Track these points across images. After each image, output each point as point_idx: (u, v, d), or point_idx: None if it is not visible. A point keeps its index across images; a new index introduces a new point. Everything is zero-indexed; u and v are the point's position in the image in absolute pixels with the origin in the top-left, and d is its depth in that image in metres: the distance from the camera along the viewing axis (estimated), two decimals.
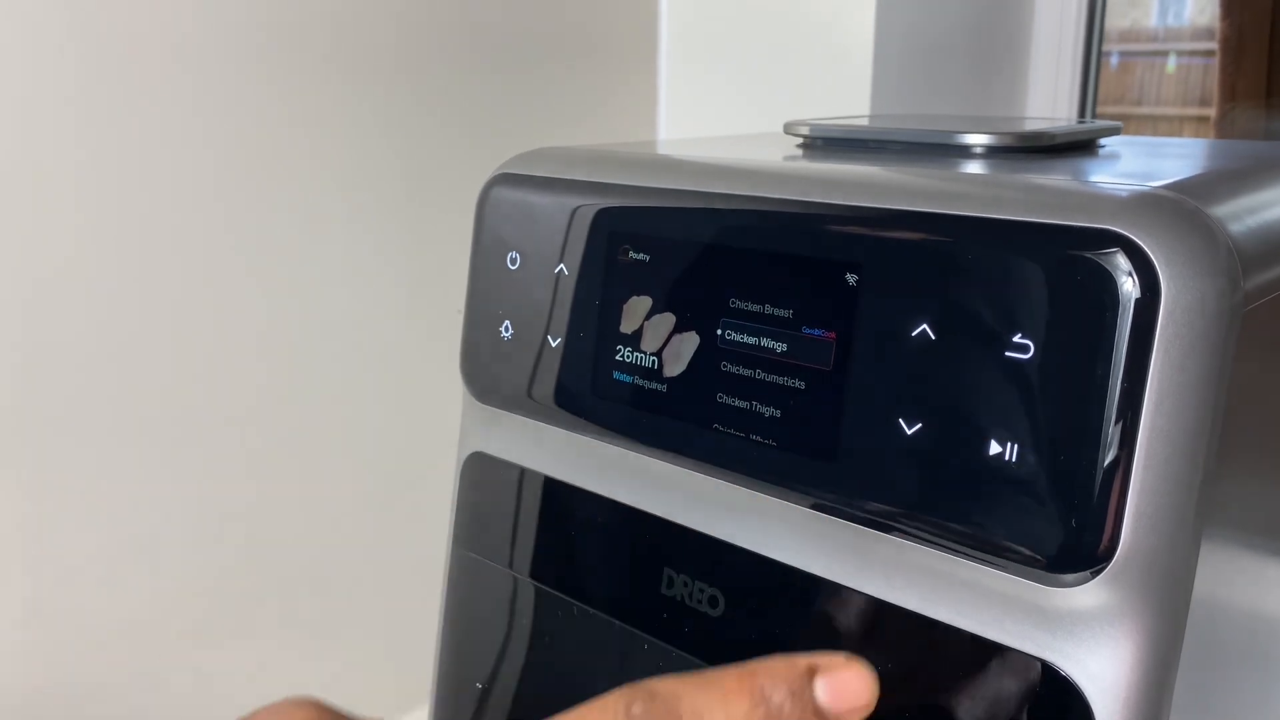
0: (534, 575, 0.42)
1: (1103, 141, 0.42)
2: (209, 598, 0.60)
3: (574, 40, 0.71)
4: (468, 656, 0.45)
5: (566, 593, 0.40)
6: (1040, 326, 0.28)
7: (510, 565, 0.43)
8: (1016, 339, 0.28)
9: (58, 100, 0.50)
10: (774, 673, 0.26)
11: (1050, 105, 0.84)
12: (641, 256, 0.37)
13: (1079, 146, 0.40)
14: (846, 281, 0.31)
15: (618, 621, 0.38)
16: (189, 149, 0.54)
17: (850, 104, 0.70)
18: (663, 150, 0.42)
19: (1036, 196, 0.29)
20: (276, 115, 0.57)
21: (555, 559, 0.41)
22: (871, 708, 0.26)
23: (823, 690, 0.26)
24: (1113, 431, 0.27)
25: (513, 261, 0.41)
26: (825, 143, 0.42)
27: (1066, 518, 0.28)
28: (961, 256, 0.29)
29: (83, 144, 0.51)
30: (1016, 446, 0.28)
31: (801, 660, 0.26)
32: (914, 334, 0.30)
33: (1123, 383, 0.26)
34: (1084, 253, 0.27)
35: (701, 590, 0.36)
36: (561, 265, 0.39)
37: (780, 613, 0.34)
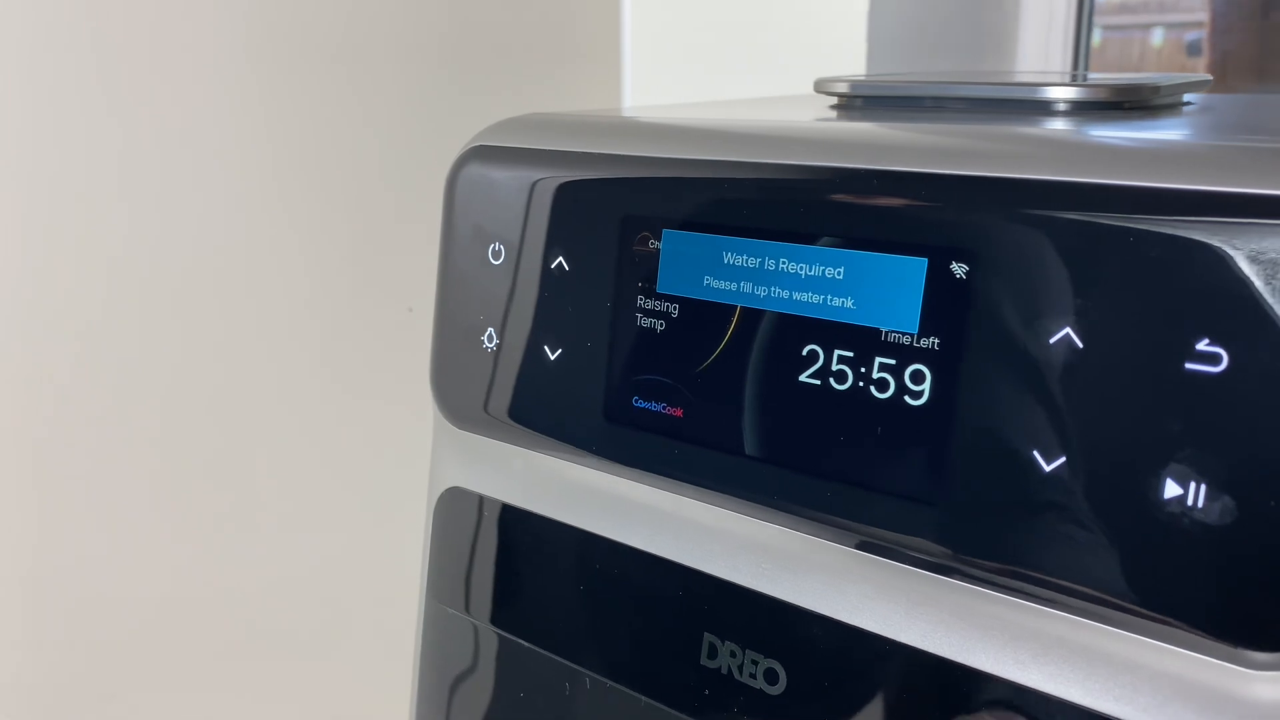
0: (529, 638, 0.34)
1: (1187, 97, 0.36)
2: (162, 643, 0.52)
3: (528, 7, 0.62)
4: None
5: (576, 662, 0.33)
6: (1236, 329, 0.21)
7: (498, 625, 0.35)
8: (1201, 346, 0.21)
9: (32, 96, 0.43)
10: None
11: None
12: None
13: (1172, 104, 0.34)
14: (953, 274, 0.24)
15: (644, 698, 0.31)
16: (170, 145, 0.47)
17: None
18: (681, 115, 0.35)
19: (1213, 157, 0.22)
20: (217, 105, 0.49)
21: (557, 619, 0.34)
22: None
23: None
24: None
25: (495, 255, 0.33)
26: (866, 101, 0.35)
27: (1266, 580, 0.21)
28: (1119, 238, 0.22)
29: (74, 141, 0.45)
30: (1202, 486, 0.21)
31: None
32: (1052, 340, 0.23)
33: None
34: None
35: (754, 662, 0.29)
36: (559, 258, 0.32)
37: (863, 694, 0.27)
